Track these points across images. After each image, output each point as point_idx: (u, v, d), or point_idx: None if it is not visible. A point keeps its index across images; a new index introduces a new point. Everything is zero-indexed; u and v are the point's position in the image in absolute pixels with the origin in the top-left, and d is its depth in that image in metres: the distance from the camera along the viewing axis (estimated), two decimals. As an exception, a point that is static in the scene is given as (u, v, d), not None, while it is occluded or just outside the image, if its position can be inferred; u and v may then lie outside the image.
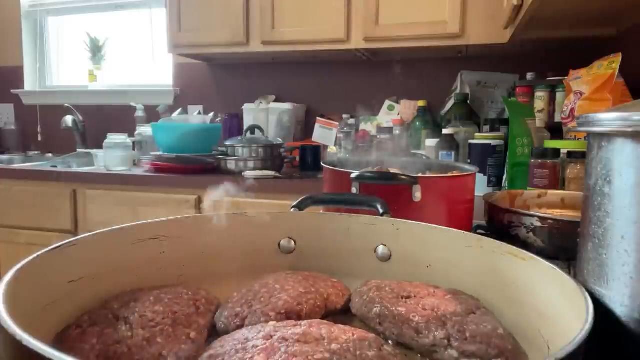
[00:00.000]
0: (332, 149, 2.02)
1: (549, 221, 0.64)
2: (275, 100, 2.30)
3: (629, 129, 0.32)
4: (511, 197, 0.85)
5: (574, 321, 0.31)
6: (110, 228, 0.45)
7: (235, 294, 0.45)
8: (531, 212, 0.68)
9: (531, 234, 0.65)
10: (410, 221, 0.51)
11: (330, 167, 0.81)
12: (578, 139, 1.22)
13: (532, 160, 1.07)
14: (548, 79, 1.70)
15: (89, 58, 2.66)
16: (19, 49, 2.75)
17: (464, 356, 0.36)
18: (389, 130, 1.82)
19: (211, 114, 2.25)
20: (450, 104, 1.98)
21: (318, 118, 2.16)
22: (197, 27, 2.09)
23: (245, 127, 2.02)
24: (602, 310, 0.34)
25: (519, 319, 0.40)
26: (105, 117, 2.64)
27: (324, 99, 2.35)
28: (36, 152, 2.63)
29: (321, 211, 0.66)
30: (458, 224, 0.71)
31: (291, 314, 0.42)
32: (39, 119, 2.76)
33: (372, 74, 2.28)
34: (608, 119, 0.34)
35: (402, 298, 0.43)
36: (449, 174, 0.81)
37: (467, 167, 0.88)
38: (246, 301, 0.43)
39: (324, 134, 2.11)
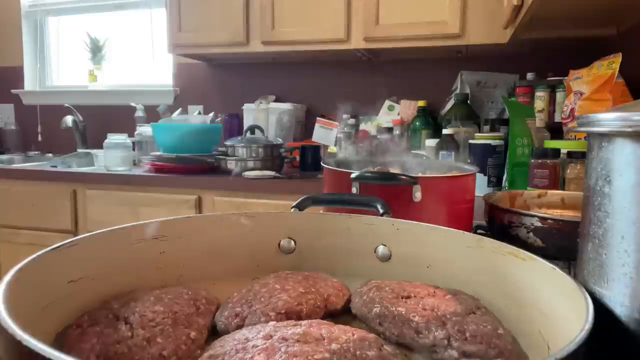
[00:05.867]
0: (332, 149, 2.02)
1: (549, 221, 0.64)
2: (275, 100, 2.30)
3: (629, 129, 0.32)
4: (511, 197, 0.85)
5: (574, 321, 0.31)
6: (110, 228, 0.45)
7: (235, 294, 0.45)
8: (531, 212, 0.68)
9: (531, 234, 0.65)
10: (410, 221, 0.51)
11: (330, 167, 0.81)
12: (578, 139, 1.22)
13: (532, 160, 1.07)
14: (548, 79, 1.70)
15: (89, 58, 2.66)
16: (19, 49, 2.75)
17: (464, 356, 0.36)
18: (389, 130, 1.82)
19: (211, 114, 2.25)
20: (450, 104, 1.97)
21: (318, 118, 2.15)
22: (197, 27, 2.09)
23: (245, 127, 2.02)
24: (602, 310, 0.34)
25: (519, 319, 0.40)
26: (105, 117, 2.64)
27: (324, 99, 2.34)
28: (36, 152, 2.63)
29: (321, 211, 0.66)
30: (458, 224, 0.71)
31: (291, 314, 0.42)
32: (39, 119, 2.76)
33: (372, 74, 2.27)
34: (608, 119, 0.34)
35: (402, 298, 0.43)
36: (449, 174, 0.81)
37: (467, 167, 0.88)
38: (246, 301, 0.43)
39: (324, 134, 2.11)
